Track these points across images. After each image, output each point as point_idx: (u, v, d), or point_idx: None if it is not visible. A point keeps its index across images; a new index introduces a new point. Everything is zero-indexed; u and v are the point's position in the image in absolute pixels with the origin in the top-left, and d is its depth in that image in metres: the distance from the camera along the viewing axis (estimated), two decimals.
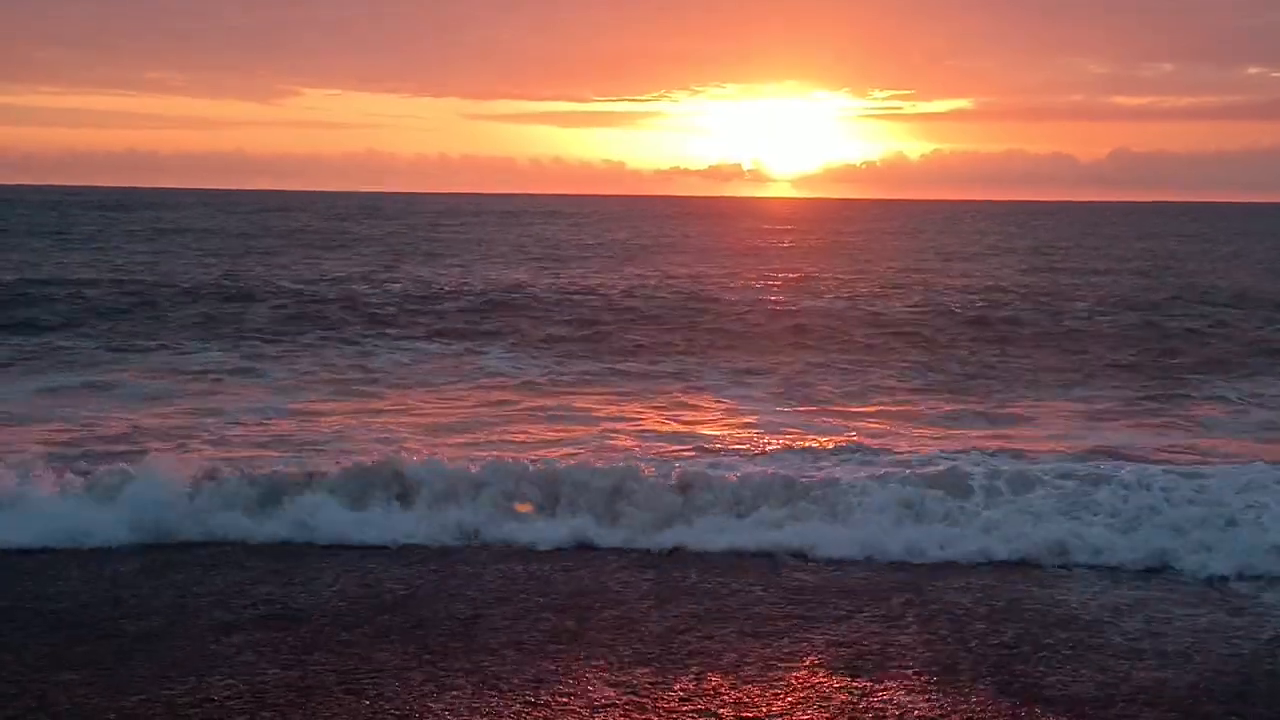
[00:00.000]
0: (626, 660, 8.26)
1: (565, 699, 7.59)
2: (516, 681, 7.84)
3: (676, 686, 7.82)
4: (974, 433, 16.54)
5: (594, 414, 17.64)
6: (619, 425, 16.85)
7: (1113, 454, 14.69)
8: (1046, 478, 12.21)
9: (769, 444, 15.43)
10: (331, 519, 11.27)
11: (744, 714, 7.43)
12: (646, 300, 34.21)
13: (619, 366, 22.34)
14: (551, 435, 16.13)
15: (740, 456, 14.41)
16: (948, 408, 18.47)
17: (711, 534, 11.14)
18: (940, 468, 12.57)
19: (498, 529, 11.30)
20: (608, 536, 11.17)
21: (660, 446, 15.13)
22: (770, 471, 12.67)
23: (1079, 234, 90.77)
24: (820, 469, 13.25)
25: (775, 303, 34.44)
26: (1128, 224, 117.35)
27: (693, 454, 14.61)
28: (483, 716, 7.33)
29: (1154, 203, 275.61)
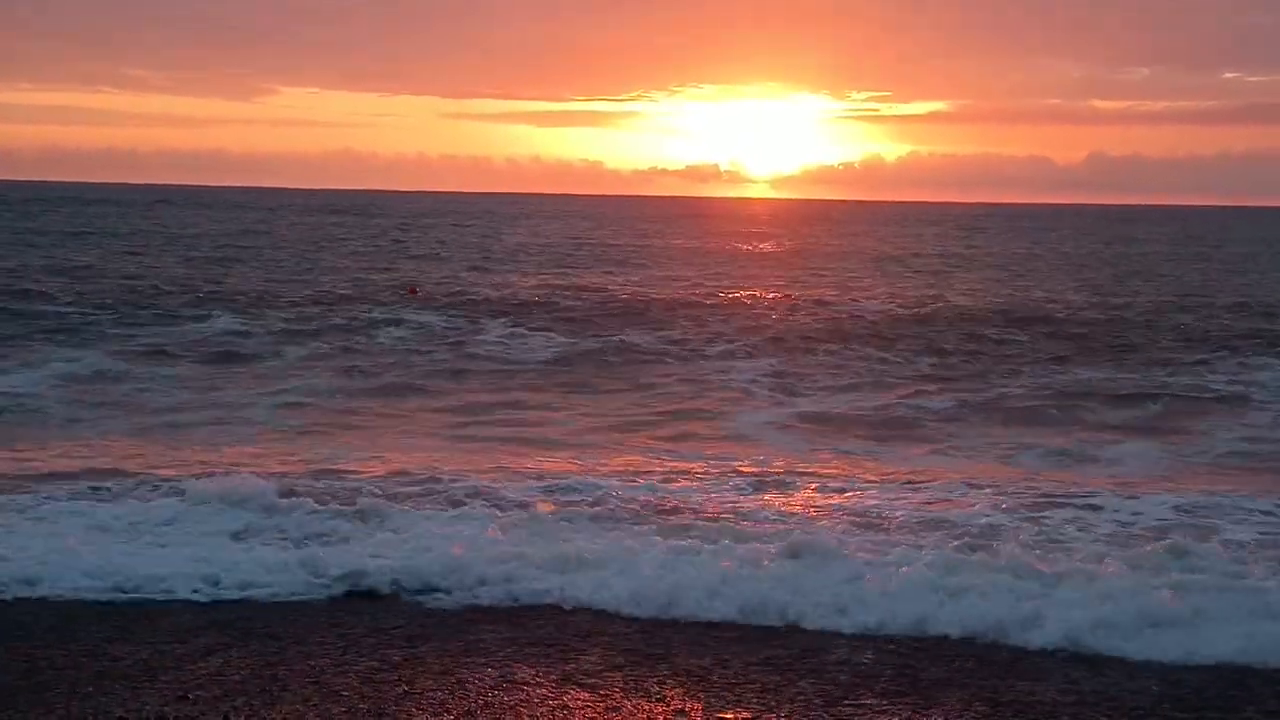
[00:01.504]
0: (600, 664, 8.33)
1: (538, 700, 7.64)
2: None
3: (647, 686, 7.87)
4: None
5: None
6: None
7: None
8: None
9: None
10: None
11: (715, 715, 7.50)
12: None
13: None
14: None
15: None
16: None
17: None
18: None
19: None
20: None
21: None
22: None
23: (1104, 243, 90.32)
24: None
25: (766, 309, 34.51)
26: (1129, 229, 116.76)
27: None
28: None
29: (1131, 206, 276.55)
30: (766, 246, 72.18)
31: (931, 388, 20.78)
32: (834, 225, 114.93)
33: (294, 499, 12.03)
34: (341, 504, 12.02)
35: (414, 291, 34.91)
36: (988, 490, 13.31)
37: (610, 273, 45.71)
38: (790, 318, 31.04)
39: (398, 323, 28.09)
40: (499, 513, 11.82)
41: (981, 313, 32.37)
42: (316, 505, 11.90)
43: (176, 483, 12.79)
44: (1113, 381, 21.57)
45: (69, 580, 9.74)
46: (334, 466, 14.08)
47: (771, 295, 37.45)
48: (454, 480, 13.33)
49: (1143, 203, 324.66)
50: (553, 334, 26.80)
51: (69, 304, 29.94)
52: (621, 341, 25.61)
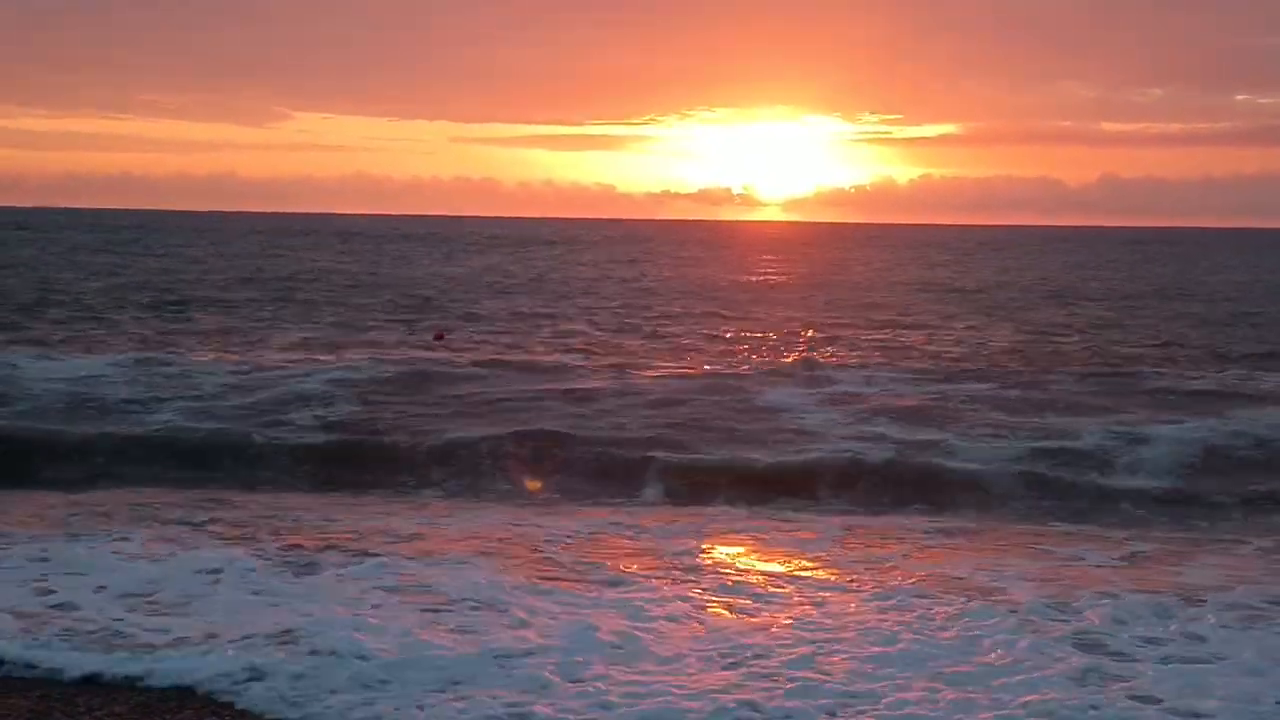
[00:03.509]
0: None
1: None
2: None
3: None
4: None
5: None
6: None
7: None
8: None
9: None
10: None
11: None
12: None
13: None
14: None
15: None
16: None
17: None
18: None
19: None
20: None
21: None
22: None
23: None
24: None
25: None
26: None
27: None
28: None
29: (1148, 228, 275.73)
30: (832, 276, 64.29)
31: None
32: (875, 250, 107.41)
33: None
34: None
35: (441, 336, 32.78)
36: None
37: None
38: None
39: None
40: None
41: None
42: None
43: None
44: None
45: None
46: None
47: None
48: None
49: (1157, 224, 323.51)
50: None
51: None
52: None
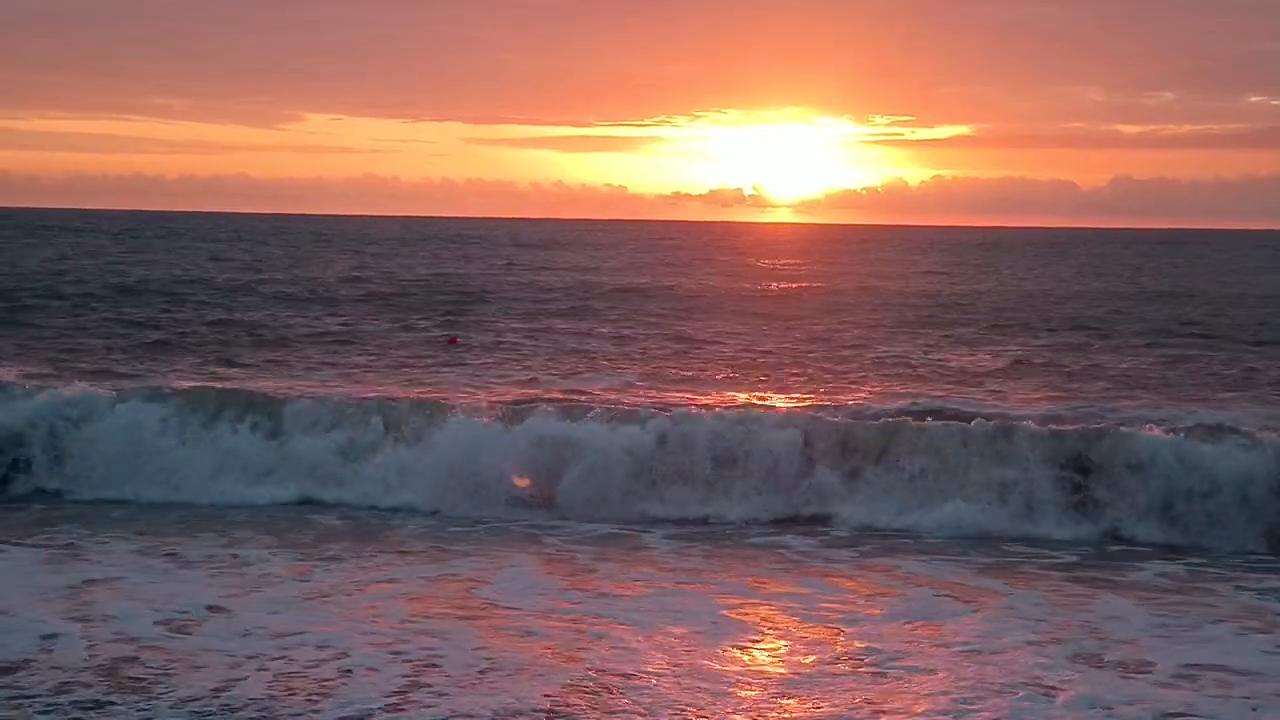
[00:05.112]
0: None
1: None
2: None
3: None
4: None
5: None
6: None
7: None
8: None
9: None
10: None
11: None
12: None
13: None
14: None
15: None
16: None
17: None
18: None
19: None
20: None
21: None
22: None
23: None
24: None
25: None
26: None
27: None
28: None
29: (1162, 230, 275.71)
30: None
31: None
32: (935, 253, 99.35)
33: None
34: None
35: (454, 341, 32.31)
36: None
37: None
38: None
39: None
40: None
41: None
42: None
43: None
44: None
45: None
46: None
47: None
48: None
49: (1170, 226, 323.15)
50: None
51: None
52: None
